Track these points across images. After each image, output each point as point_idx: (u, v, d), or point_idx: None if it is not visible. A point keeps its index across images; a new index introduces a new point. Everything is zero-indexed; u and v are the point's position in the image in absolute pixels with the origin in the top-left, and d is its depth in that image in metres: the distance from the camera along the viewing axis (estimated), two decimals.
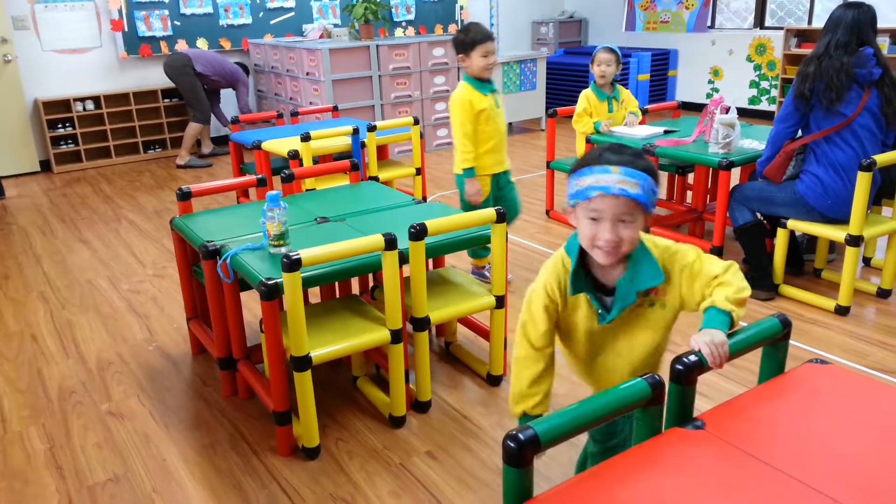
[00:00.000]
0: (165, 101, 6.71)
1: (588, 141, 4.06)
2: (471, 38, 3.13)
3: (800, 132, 3.12)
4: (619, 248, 1.42)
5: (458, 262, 3.78)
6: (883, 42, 6.33)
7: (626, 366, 1.61)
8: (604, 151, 1.43)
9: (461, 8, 8.15)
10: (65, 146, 6.41)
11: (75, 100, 6.34)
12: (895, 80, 3.00)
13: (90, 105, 6.42)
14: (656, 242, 1.52)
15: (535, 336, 1.57)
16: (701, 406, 1.33)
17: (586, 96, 4.14)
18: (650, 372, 1.33)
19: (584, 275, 1.53)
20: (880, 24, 3.33)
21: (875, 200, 3.40)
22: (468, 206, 3.27)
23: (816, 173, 3.04)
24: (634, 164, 1.40)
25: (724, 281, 1.44)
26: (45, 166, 6.45)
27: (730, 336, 1.36)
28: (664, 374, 1.32)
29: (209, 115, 6.46)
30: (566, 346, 1.67)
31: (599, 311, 1.53)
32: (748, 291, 1.44)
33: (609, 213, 1.40)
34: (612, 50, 4.06)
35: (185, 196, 2.74)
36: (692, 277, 1.48)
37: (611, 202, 1.39)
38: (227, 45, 6.95)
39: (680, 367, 1.29)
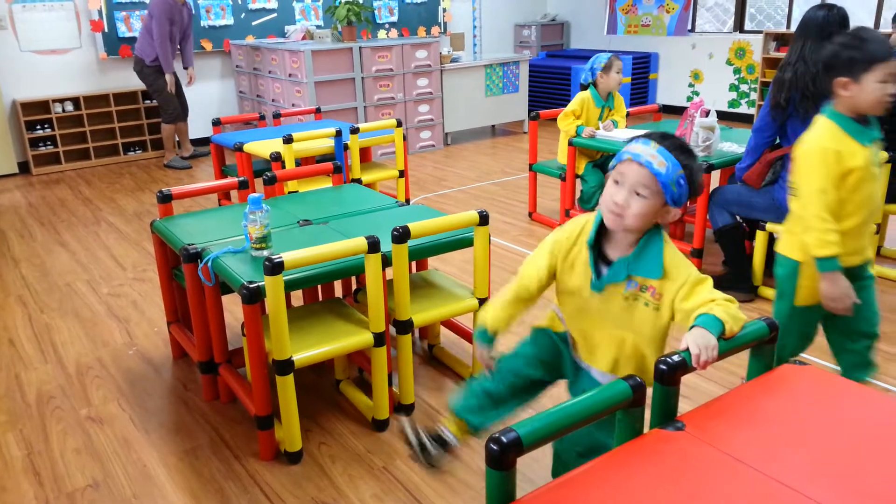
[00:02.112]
0: (146, 102, 6.65)
1: (570, 144, 4.09)
2: (868, 54, 1.93)
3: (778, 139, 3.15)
4: (623, 215, 1.49)
5: (442, 265, 3.78)
6: None
7: (613, 334, 1.64)
8: (662, 134, 1.52)
9: (444, 10, 8.16)
10: (43, 148, 6.33)
11: (54, 101, 6.27)
12: None
13: (69, 106, 6.35)
14: (675, 249, 1.55)
15: (528, 272, 1.67)
16: (682, 407, 1.34)
17: (582, 99, 4.16)
18: (633, 374, 1.34)
19: (595, 243, 1.59)
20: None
21: None
22: (809, 310, 2.14)
23: None
24: (677, 152, 1.48)
25: (721, 304, 1.45)
26: (24, 168, 6.37)
27: (720, 339, 1.38)
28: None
29: (177, 114, 6.37)
30: (560, 302, 1.73)
31: (592, 277, 1.58)
32: (743, 320, 1.45)
33: (629, 180, 1.49)
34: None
35: (165, 198, 2.72)
36: (689, 294, 1.49)
37: (635, 169, 1.48)
38: (208, 46, 6.90)
39: (664, 366, 1.30)
